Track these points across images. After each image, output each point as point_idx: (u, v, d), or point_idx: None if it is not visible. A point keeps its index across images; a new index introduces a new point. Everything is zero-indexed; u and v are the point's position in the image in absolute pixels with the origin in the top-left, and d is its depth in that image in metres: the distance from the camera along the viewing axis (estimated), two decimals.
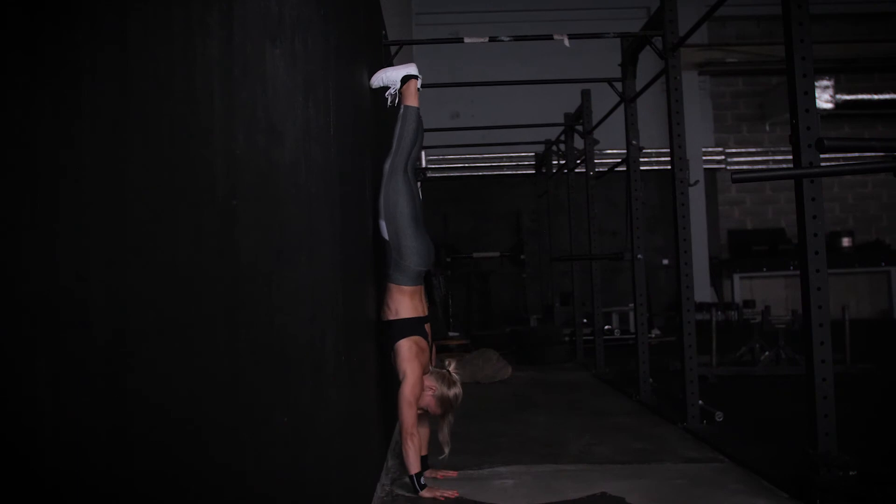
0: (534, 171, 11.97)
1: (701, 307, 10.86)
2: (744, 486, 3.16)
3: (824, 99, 12.94)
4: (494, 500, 3.09)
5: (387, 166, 3.38)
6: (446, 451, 3.31)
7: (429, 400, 3.29)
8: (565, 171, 8.87)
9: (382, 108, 3.70)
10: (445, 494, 3.11)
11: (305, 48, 1.92)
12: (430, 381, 3.29)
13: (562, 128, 8.82)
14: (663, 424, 4.49)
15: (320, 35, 2.16)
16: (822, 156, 3.09)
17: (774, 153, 14.19)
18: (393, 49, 4.99)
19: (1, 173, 0.67)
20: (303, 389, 1.74)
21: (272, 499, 1.45)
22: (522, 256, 11.52)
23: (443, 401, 3.28)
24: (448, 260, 11.60)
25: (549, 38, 5.04)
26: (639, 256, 5.49)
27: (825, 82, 13.01)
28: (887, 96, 13.52)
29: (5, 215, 0.68)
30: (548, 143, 9.99)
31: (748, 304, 12.29)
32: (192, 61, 1.12)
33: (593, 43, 7.18)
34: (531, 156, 12.12)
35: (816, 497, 2.83)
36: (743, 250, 13.86)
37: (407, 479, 3.19)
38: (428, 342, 3.35)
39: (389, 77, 3.52)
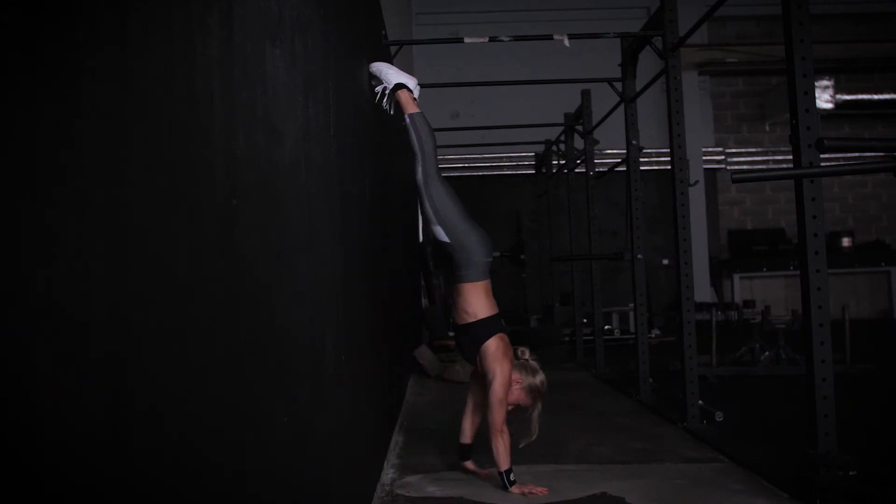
0: (534, 171, 11.97)
1: (701, 307, 10.85)
2: (744, 486, 3.16)
3: (824, 99, 12.95)
4: (494, 500, 3.09)
5: (419, 176, 3.38)
6: (534, 436, 3.30)
7: (518, 393, 3.27)
8: (565, 171, 8.87)
9: (382, 109, 3.69)
10: (535, 491, 3.11)
11: (305, 48, 1.92)
12: (515, 375, 3.27)
13: (562, 128, 8.82)
14: (663, 424, 4.49)
15: (320, 35, 2.16)
16: (822, 156, 3.09)
17: (774, 153, 14.20)
18: (393, 49, 4.99)
19: (1, 173, 0.67)
20: (303, 390, 1.74)
21: (272, 498, 1.45)
22: (522, 256, 11.52)
23: (532, 391, 3.28)
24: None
25: (549, 38, 5.04)
26: (639, 256, 5.49)
27: (825, 82, 13.01)
28: (887, 96, 13.52)
29: (5, 215, 0.68)
30: (548, 143, 9.99)
31: (748, 304, 12.29)
32: (192, 61, 1.12)
33: (593, 43, 7.17)
34: (531, 156, 12.12)
35: (816, 497, 2.83)
36: (743, 250, 13.86)
37: (499, 475, 3.17)
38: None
39: (387, 75, 3.51)
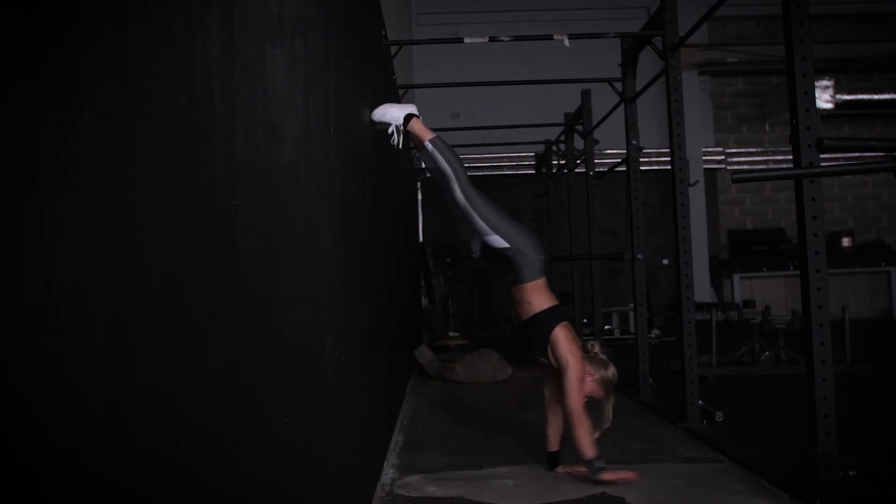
0: (534, 171, 11.97)
1: (701, 307, 10.84)
2: (744, 486, 3.16)
3: (824, 99, 12.94)
4: (494, 500, 3.09)
5: (459, 196, 3.39)
6: (606, 427, 3.33)
7: (591, 385, 3.31)
8: (565, 171, 8.87)
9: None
10: (625, 477, 3.14)
11: (305, 48, 1.92)
12: (588, 368, 3.31)
13: (562, 128, 8.82)
14: (663, 424, 4.49)
15: (320, 35, 2.16)
16: (822, 156, 3.09)
17: (774, 153, 14.20)
18: (393, 49, 4.99)
19: (1, 173, 0.67)
20: (303, 390, 1.74)
21: (272, 498, 1.45)
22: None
23: (605, 382, 3.32)
24: (448, 260, 11.60)
25: (549, 38, 5.04)
26: (639, 256, 5.49)
27: (825, 82, 13.01)
28: (887, 96, 13.52)
29: (5, 215, 0.68)
30: (548, 143, 9.98)
31: (748, 304, 12.27)
32: (192, 61, 1.12)
33: (593, 43, 7.17)
34: (531, 156, 12.12)
35: (816, 497, 2.83)
36: (743, 250, 13.86)
37: (586, 464, 3.19)
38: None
39: (392, 114, 3.48)
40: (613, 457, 3.72)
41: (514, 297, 3.43)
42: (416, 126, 3.47)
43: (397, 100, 5.65)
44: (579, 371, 3.24)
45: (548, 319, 3.34)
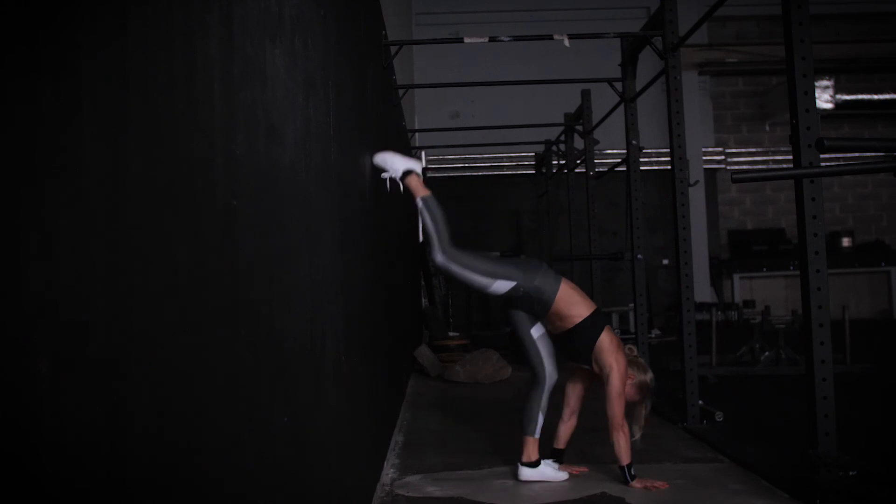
0: (534, 171, 11.96)
1: (701, 307, 10.82)
2: (744, 486, 3.16)
3: (824, 99, 12.94)
4: (494, 500, 3.09)
5: (439, 258, 3.36)
6: (638, 434, 3.32)
7: (630, 390, 3.29)
8: (565, 171, 8.86)
9: (383, 108, 3.68)
10: (656, 485, 3.13)
11: (305, 48, 1.92)
12: (629, 371, 3.30)
13: (562, 128, 8.81)
14: (663, 424, 4.49)
15: (320, 35, 2.16)
16: (822, 156, 3.09)
17: (774, 153, 14.20)
18: (393, 49, 4.99)
19: (1, 174, 0.67)
20: (303, 390, 1.74)
21: (272, 498, 1.45)
22: (522, 256, 11.52)
23: (641, 387, 3.31)
24: None
25: (549, 38, 5.04)
26: (639, 256, 5.49)
27: (825, 82, 13.01)
28: (887, 96, 13.52)
29: (4, 215, 0.68)
30: (548, 143, 9.98)
31: (748, 304, 12.26)
32: (192, 61, 1.12)
33: (593, 43, 7.18)
34: (531, 156, 12.11)
35: (816, 497, 2.83)
36: (743, 250, 13.86)
37: (621, 470, 3.20)
38: None
39: (393, 164, 3.52)
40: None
41: (550, 316, 3.37)
42: (413, 182, 3.51)
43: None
44: (623, 377, 3.23)
45: (592, 327, 3.30)
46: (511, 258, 3.40)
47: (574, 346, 3.35)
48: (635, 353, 3.42)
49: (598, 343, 3.28)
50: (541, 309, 3.35)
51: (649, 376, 3.33)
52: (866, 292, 13.62)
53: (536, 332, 3.41)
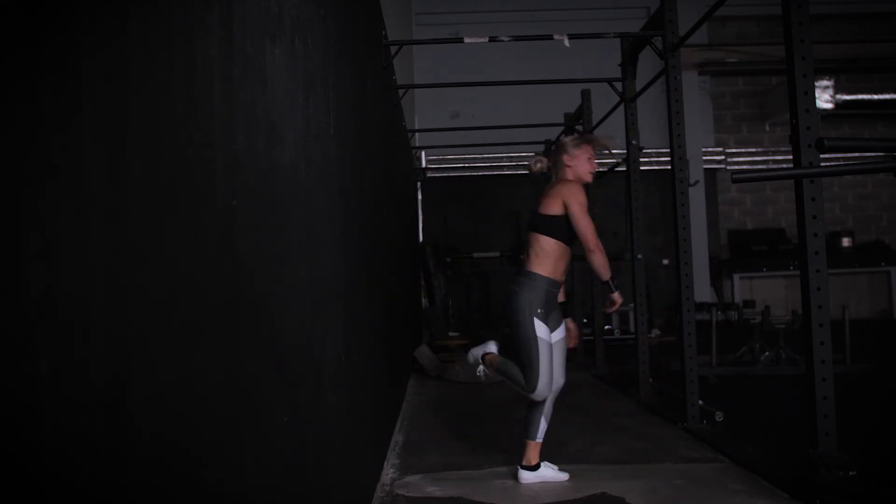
0: None
1: (701, 307, 10.82)
2: (744, 486, 3.16)
3: (824, 99, 12.95)
4: (494, 500, 3.09)
5: (537, 398, 3.44)
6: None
7: (574, 168, 3.46)
8: None
9: (383, 108, 3.68)
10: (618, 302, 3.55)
11: (305, 48, 1.92)
12: (567, 168, 3.47)
13: (562, 128, 8.81)
14: (663, 424, 4.49)
15: (320, 35, 2.16)
16: (822, 156, 3.09)
17: (774, 153, 14.20)
18: (393, 49, 4.99)
19: (2, 174, 0.67)
20: (303, 390, 1.74)
21: (272, 498, 1.45)
22: (522, 256, 11.52)
23: (575, 148, 3.49)
24: (448, 260, 11.60)
25: (549, 38, 5.04)
26: (639, 256, 5.49)
27: (825, 82, 13.01)
28: (887, 96, 13.53)
29: (4, 216, 0.68)
30: (548, 143, 9.98)
31: (748, 304, 12.26)
32: (192, 61, 1.12)
33: (593, 43, 7.17)
34: (531, 156, 12.10)
35: (816, 497, 2.83)
36: (743, 250, 13.86)
37: (603, 285, 3.50)
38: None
39: (475, 354, 3.69)
40: (614, 456, 3.73)
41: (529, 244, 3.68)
42: (488, 359, 3.64)
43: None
44: (582, 203, 3.34)
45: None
46: (542, 360, 3.42)
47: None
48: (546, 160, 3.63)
49: (554, 190, 3.40)
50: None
51: (568, 138, 3.55)
52: (866, 292, 13.62)
53: (557, 336, 3.50)
